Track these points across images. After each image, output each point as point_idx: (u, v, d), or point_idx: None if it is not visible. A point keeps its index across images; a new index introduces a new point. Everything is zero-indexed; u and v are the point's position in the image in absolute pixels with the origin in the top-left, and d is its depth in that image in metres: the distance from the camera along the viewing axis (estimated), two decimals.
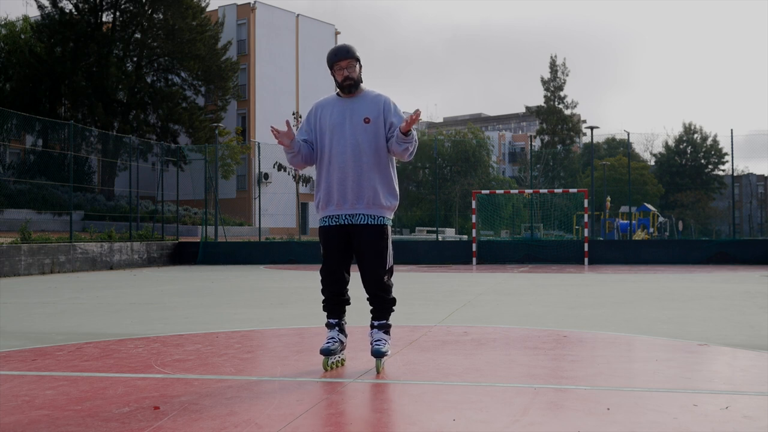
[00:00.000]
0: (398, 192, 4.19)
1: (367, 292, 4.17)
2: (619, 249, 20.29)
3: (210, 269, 17.34)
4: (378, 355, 4.03)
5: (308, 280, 12.85)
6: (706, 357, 4.63)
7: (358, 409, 3.21)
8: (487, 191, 25.10)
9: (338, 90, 4.17)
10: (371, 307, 4.21)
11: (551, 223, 29.62)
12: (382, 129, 4.05)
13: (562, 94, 57.72)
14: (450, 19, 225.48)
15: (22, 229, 16.40)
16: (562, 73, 57.65)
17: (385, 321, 4.19)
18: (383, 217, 4.07)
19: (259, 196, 25.12)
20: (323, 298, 4.21)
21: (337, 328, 4.19)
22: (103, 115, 34.31)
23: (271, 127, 4.01)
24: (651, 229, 35.73)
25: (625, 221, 31.34)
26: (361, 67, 4.17)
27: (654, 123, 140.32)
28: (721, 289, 9.95)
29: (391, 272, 4.15)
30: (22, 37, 37.56)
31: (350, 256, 4.19)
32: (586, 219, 19.79)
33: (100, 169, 36.19)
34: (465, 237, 33.50)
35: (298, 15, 48.61)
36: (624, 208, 34.95)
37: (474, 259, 19.27)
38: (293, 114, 35.53)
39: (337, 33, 51.87)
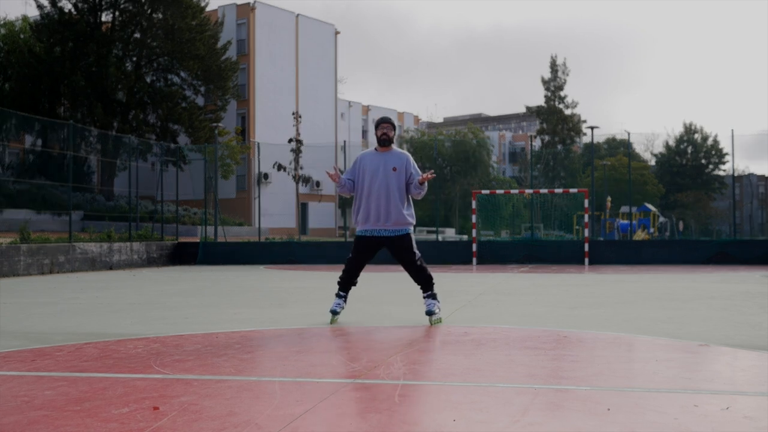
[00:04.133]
0: (413, 210, 6.25)
1: (412, 277, 6.28)
2: (619, 249, 20.29)
3: (210, 269, 17.34)
4: (429, 314, 6.12)
5: (308, 280, 12.84)
6: (706, 357, 4.62)
7: (358, 409, 3.21)
8: (487, 191, 25.07)
9: (377, 145, 6.28)
10: (419, 285, 6.27)
11: (551, 224, 29.60)
12: (403, 175, 6.14)
13: (562, 93, 57.75)
14: (451, 20, 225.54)
15: (22, 229, 16.40)
16: (563, 72, 57.68)
17: (430, 291, 6.22)
18: (405, 227, 6.15)
19: (259, 196, 25.13)
20: (341, 277, 6.29)
21: (343, 298, 6.33)
22: (103, 115, 34.30)
23: (327, 172, 6.34)
24: (651, 230, 35.74)
25: (626, 221, 31.33)
26: (395, 133, 6.25)
27: (655, 123, 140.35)
28: (722, 289, 9.95)
29: (421, 259, 6.23)
30: (22, 36, 37.55)
31: (370, 259, 6.40)
32: (586, 219, 19.78)
33: (100, 169, 36.18)
34: (465, 237, 33.50)
35: (297, 15, 48.60)
36: (624, 208, 34.96)
37: (474, 259, 19.26)
38: (293, 114, 35.50)
39: (336, 33, 51.87)
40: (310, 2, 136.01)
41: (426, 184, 6.12)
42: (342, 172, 6.39)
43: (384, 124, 6.21)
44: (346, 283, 6.29)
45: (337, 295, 6.31)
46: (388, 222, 6.07)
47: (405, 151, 6.35)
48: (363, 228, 6.15)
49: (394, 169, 6.09)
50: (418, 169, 6.22)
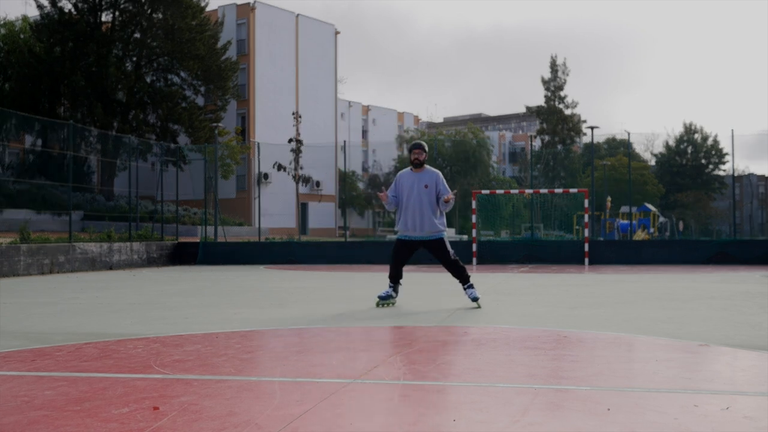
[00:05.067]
0: (444, 219, 7.65)
1: (449, 271, 7.65)
2: (619, 249, 20.27)
3: (210, 269, 17.34)
4: (475, 299, 7.50)
5: (308, 280, 12.84)
6: (706, 357, 4.62)
7: (358, 409, 3.20)
8: (487, 191, 25.04)
9: (411, 166, 7.66)
10: (457, 279, 7.61)
11: (551, 223, 29.58)
12: (434, 191, 7.52)
13: (562, 93, 57.75)
14: (451, 20, 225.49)
15: (22, 229, 16.39)
16: (563, 72, 57.68)
17: (469, 283, 7.56)
18: (439, 232, 7.59)
19: (259, 196, 25.14)
20: (390, 273, 7.78)
21: (392, 288, 7.74)
22: (103, 115, 34.29)
23: (377, 193, 8.05)
24: (651, 229, 35.72)
25: (626, 221, 31.32)
26: (426, 156, 7.62)
27: (655, 123, 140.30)
28: (722, 289, 9.95)
29: (456, 256, 7.58)
30: (22, 36, 37.54)
31: (409, 257, 7.78)
32: (586, 219, 19.77)
33: (100, 169, 36.19)
34: (465, 237, 33.48)
35: (297, 15, 48.59)
36: (624, 208, 34.95)
37: (474, 259, 19.25)
38: (293, 114, 35.50)
39: (336, 33, 51.87)
40: (311, 2, 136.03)
41: (451, 201, 7.37)
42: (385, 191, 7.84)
43: (416, 150, 7.54)
44: (395, 276, 7.71)
45: (389, 285, 7.78)
46: (423, 231, 7.51)
47: (436, 170, 7.64)
48: (403, 233, 7.63)
49: (426, 186, 7.47)
50: (446, 185, 7.56)
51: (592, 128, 24.32)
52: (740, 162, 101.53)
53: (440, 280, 12.38)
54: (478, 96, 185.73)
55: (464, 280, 7.53)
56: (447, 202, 7.38)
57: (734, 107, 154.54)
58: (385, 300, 7.68)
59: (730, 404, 3.18)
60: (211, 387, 3.61)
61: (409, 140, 57.28)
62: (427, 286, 11.18)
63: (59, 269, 16.02)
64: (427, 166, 7.63)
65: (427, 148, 7.62)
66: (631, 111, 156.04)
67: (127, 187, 22.41)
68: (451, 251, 7.55)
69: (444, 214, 7.62)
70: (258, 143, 24.80)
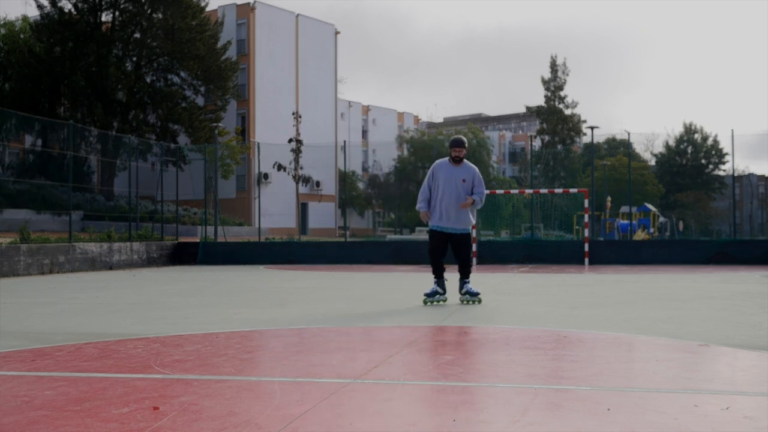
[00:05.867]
0: (476, 214, 8.07)
1: (460, 264, 7.79)
2: (619, 249, 20.27)
3: (210, 269, 17.34)
4: (474, 294, 7.83)
5: (308, 280, 12.84)
6: (706, 357, 4.62)
7: (358, 409, 3.20)
8: (487, 191, 24.99)
9: (450, 159, 7.76)
10: (460, 273, 7.84)
11: (551, 223, 29.57)
12: (470, 186, 7.74)
13: (562, 93, 57.75)
14: (451, 21, 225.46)
15: (22, 229, 16.39)
16: (563, 72, 57.67)
17: (468, 278, 7.89)
18: (468, 228, 7.83)
19: (259, 196, 25.15)
20: (432, 269, 7.85)
21: (437, 283, 7.79)
22: (103, 115, 34.29)
23: (421, 212, 7.82)
24: (651, 229, 35.71)
25: (626, 221, 31.31)
26: (466, 150, 7.76)
27: (655, 123, 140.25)
28: (722, 289, 9.94)
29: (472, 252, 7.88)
30: (22, 36, 37.55)
31: (447, 247, 7.81)
32: (586, 219, 19.77)
33: (100, 169, 36.19)
34: None
35: (297, 15, 48.59)
36: (624, 208, 34.93)
37: (474, 259, 19.25)
38: (293, 114, 35.49)
39: (336, 33, 51.86)
40: (311, 2, 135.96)
41: (476, 200, 7.68)
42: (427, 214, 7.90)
43: (456, 147, 7.68)
44: (437, 269, 7.79)
45: (435, 282, 7.85)
46: (458, 223, 7.72)
47: (474, 166, 7.84)
48: (438, 224, 7.73)
49: (464, 181, 7.68)
50: (482, 182, 7.79)
51: (592, 128, 24.32)
52: (740, 162, 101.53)
53: None
54: (478, 96, 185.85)
55: (467, 274, 7.82)
56: (466, 205, 7.67)
57: (734, 107, 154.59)
58: (431, 297, 7.75)
59: (730, 404, 3.18)
60: (211, 387, 3.61)
61: (409, 140, 57.35)
62: (426, 286, 11.17)
63: (59, 269, 16.02)
64: (466, 161, 7.81)
65: (467, 144, 7.79)
66: (631, 111, 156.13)
67: (127, 187, 22.41)
68: (473, 248, 8.10)
69: (474, 211, 7.92)
70: (258, 143, 24.81)
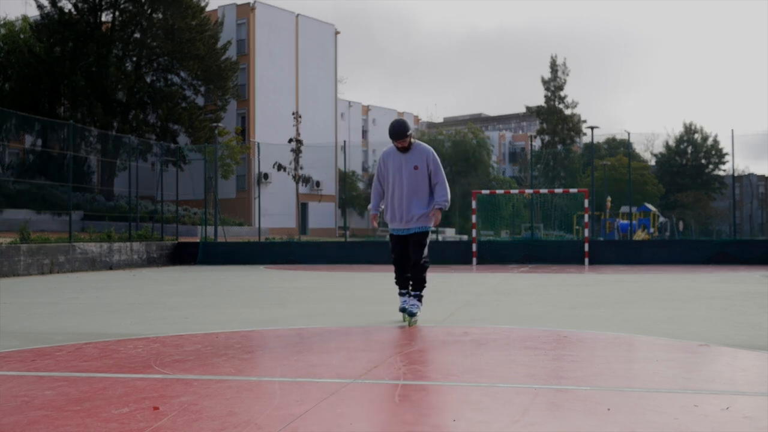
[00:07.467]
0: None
1: (411, 272, 6.20)
2: (619, 249, 20.27)
3: (210, 269, 17.34)
4: (410, 314, 6.11)
5: (308, 280, 12.84)
6: (706, 357, 4.62)
7: (358, 409, 3.20)
8: (487, 191, 25.03)
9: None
10: (411, 282, 6.23)
11: (551, 223, 29.58)
12: (425, 172, 6.17)
13: (562, 93, 57.76)
14: (451, 21, 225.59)
15: (22, 229, 16.39)
16: (563, 72, 57.70)
17: (420, 294, 6.22)
18: (427, 225, 6.18)
19: (259, 196, 25.14)
20: (395, 277, 6.36)
21: (405, 296, 6.26)
22: (103, 115, 34.28)
23: (370, 215, 6.43)
24: (651, 229, 35.71)
25: (626, 221, 31.30)
26: (410, 135, 6.10)
27: (655, 123, 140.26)
28: (722, 289, 9.94)
29: (427, 258, 6.21)
30: (22, 36, 37.54)
31: (408, 251, 6.26)
32: (586, 219, 19.77)
33: (100, 169, 36.18)
34: (465, 237, 33.48)
35: (297, 15, 48.58)
36: (624, 208, 34.93)
37: (474, 259, 19.26)
38: (293, 114, 35.49)
39: (336, 33, 51.86)
40: (311, 2, 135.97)
41: (443, 206, 6.18)
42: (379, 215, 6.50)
43: (397, 141, 6.11)
44: (400, 280, 6.34)
45: (400, 294, 6.35)
46: (411, 223, 6.16)
47: (427, 146, 6.26)
48: (393, 226, 6.30)
49: (416, 168, 6.12)
50: (439, 164, 6.27)
51: (592, 128, 24.31)
52: (740, 162, 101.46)
53: (441, 280, 12.39)
54: (479, 96, 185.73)
55: (420, 288, 6.23)
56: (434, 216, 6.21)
57: (734, 107, 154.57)
58: (405, 311, 6.23)
59: (730, 404, 3.18)
60: (211, 387, 3.61)
61: None
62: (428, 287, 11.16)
63: (59, 269, 16.02)
64: (418, 142, 6.25)
65: (410, 130, 6.09)
66: (631, 111, 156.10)
67: (127, 187, 22.40)
68: (426, 252, 6.21)
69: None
70: (258, 143, 24.80)
